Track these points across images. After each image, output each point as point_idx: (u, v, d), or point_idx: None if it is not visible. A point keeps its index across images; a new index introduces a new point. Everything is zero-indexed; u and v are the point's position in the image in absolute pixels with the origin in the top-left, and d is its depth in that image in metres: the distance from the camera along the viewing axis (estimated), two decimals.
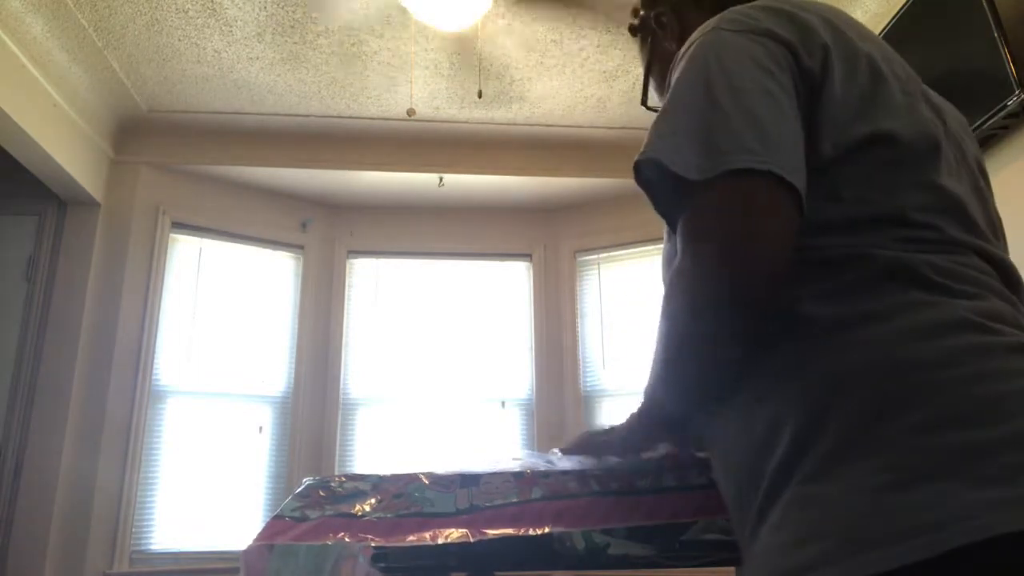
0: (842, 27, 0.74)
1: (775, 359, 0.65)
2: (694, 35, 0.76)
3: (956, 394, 0.56)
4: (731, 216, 0.63)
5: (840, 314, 0.63)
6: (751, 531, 0.63)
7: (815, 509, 0.56)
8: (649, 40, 1.03)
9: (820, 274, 0.65)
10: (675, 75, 0.74)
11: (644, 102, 1.07)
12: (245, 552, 0.83)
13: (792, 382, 0.63)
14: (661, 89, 1.02)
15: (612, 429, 0.97)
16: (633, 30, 1.06)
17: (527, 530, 0.81)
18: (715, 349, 0.68)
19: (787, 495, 0.59)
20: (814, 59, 0.70)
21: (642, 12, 1.05)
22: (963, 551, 0.49)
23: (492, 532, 0.80)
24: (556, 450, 0.99)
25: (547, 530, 0.81)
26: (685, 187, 0.65)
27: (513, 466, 0.92)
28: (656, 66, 1.02)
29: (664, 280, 0.79)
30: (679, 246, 0.68)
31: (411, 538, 0.80)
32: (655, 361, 0.74)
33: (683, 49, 0.76)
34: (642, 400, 0.90)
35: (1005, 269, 0.71)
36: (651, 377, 0.82)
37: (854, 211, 0.67)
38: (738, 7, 0.76)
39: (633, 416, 0.92)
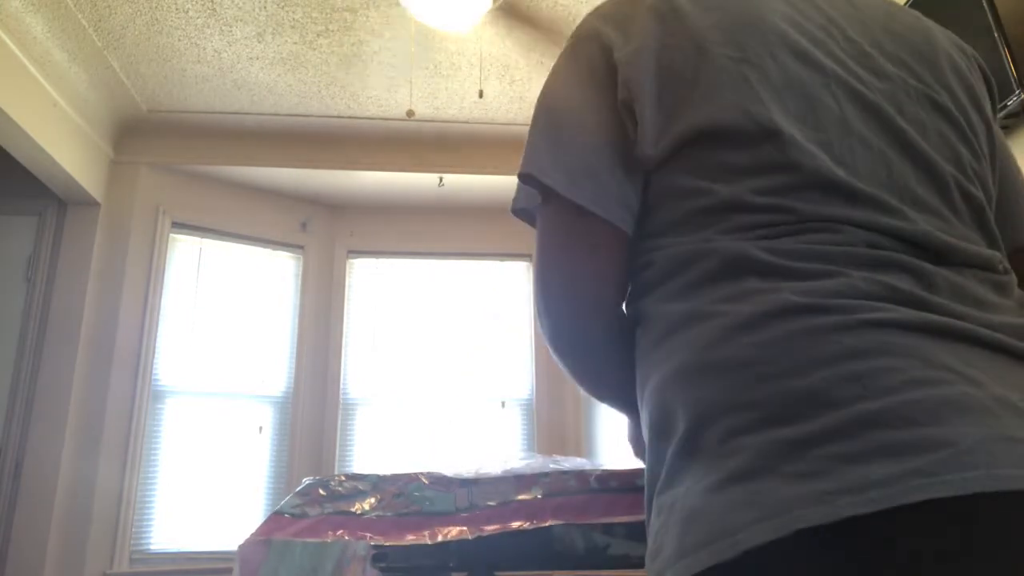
0: (683, 3, 0.70)
1: (641, 369, 0.66)
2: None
3: (770, 390, 0.53)
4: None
5: (676, 316, 0.62)
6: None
7: (663, 518, 0.56)
8: None
9: (668, 275, 0.65)
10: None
11: None
12: (241, 547, 0.82)
13: (648, 391, 0.63)
14: None
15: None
16: None
17: (526, 524, 0.80)
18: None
19: (653, 506, 0.59)
20: (627, 61, 0.69)
21: None
22: (771, 547, 0.47)
23: (492, 528, 0.80)
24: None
25: (547, 523, 0.81)
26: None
27: (514, 467, 0.92)
28: None
29: None
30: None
31: (411, 537, 0.80)
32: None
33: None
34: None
35: (918, 240, 0.62)
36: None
37: (697, 204, 0.65)
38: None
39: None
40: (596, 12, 0.76)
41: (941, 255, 0.62)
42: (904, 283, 0.59)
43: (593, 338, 0.72)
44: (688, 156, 0.65)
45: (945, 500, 0.46)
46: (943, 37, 0.79)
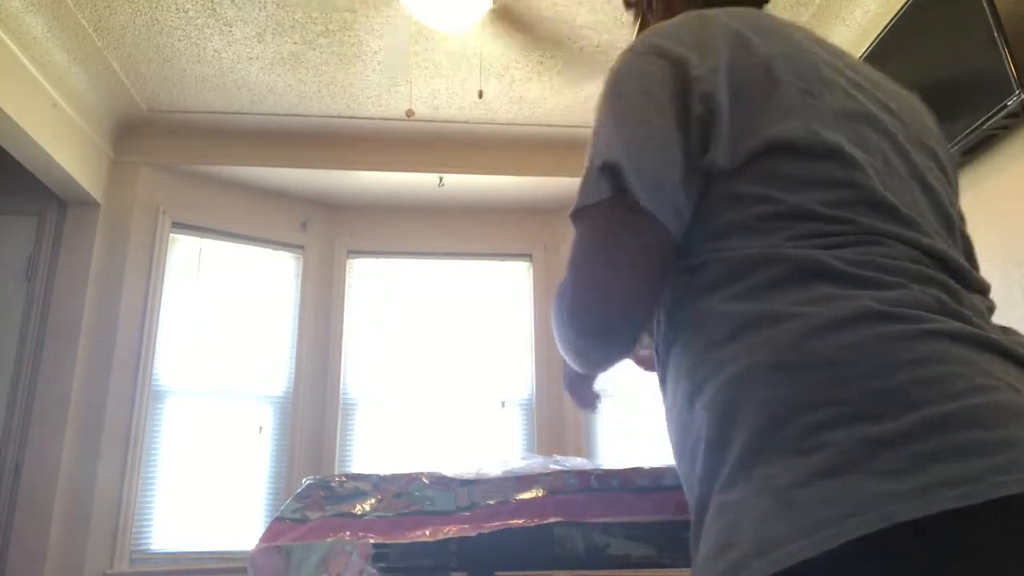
0: (748, 33, 0.76)
1: (699, 367, 0.67)
2: (619, 57, 0.81)
3: (855, 389, 0.56)
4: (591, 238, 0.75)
5: (748, 316, 0.64)
6: (694, 541, 0.64)
7: (730, 515, 0.57)
8: (639, 19, 1.08)
9: (733, 276, 0.67)
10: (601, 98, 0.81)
11: None
12: (252, 556, 0.82)
13: (710, 388, 0.64)
14: None
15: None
16: (627, 3, 1.11)
17: (527, 522, 0.81)
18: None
19: (712, 505, 0.60)
20: (705, 78, 0.73)
21: None
22: (862, 542, 0.49)
23: (492, 525, 0.80)
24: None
25: (548, 521, 0.81)
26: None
27: (515, 467, 0.92)
28: None
29: None
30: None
31: (411, 534, 0.80)
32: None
33: (610, 71, 0.81)
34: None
35: (947, 262, 0.69)
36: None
37: (762, 211, 0.68)
38: (660, 24, 0.81)
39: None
40: (659, 33, 0.79)
41: (960, 277, 0.69)
42: (945, 297, 0.64)
43: (619, 332, 0.75)
44: (756, 167, 0.70)
45: (1019, 496, 0.49)
46: (920, 103, 0.88)
